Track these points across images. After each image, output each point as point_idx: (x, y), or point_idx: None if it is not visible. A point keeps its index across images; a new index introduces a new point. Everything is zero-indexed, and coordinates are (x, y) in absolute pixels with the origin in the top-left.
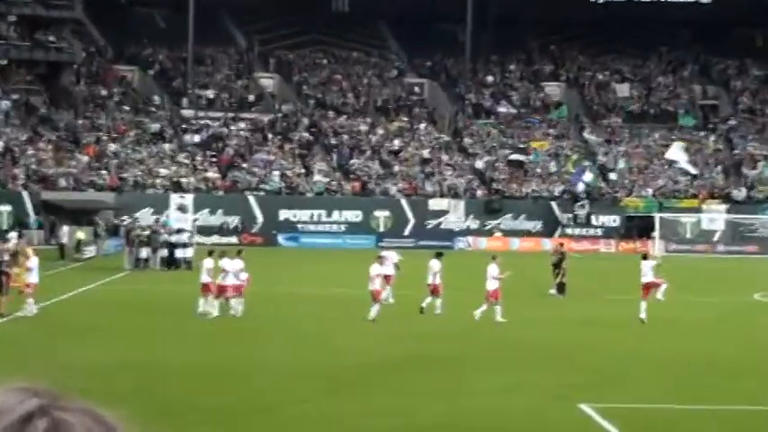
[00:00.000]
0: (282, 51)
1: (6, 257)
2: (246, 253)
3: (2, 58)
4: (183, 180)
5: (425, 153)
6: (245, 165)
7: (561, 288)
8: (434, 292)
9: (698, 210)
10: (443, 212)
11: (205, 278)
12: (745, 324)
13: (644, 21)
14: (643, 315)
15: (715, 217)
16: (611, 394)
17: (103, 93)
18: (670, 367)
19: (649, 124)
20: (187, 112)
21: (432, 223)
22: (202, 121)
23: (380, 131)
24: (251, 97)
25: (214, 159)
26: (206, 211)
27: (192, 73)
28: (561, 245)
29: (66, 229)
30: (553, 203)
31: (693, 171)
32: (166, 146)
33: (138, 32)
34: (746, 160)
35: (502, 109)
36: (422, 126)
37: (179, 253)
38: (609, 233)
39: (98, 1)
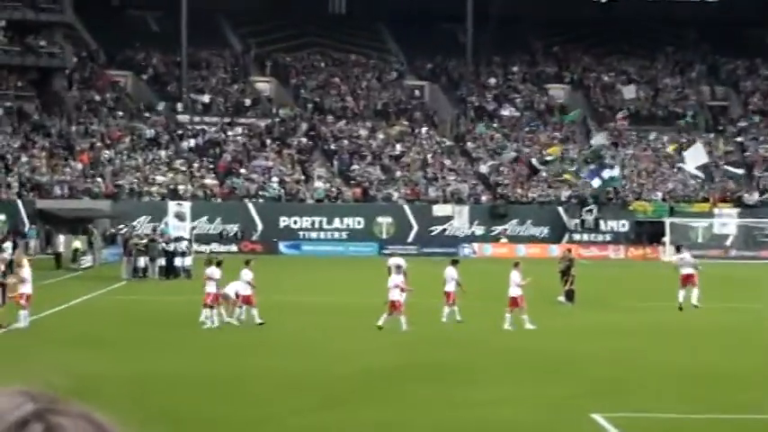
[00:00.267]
0: (279, 54)
1: (2, 267)
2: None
3: None
4: (181, 187)
5: (428, 158)
6: (243, 171)
7: (570, 295)
8: (450, 299)
9: (709, 214)
10: (448, 218)
11: (210, 288)
12: (760, 332)
13: (650, 21)
14: (695, 302)
15: (727, 221)
16: (624, 403)
17: (96, 98)
18: (683, 376)
19: (657, 126)
20: (182, 118)
21: (436, 230)
22: (198, 127)
23: (381, 136)
24: (247, 102)
25: (211, 166)
26: (204, 218)
27: (186, 77)
28: (569, 251)
29: (62, 238)
30: (560, 208)
31: (700, 174)
32: (162, 152)
33: (130, 36)
34: (758, 163)
35: (505, 112)
36: (423, 130)
37: (178, 262)
38: (618, 239)
39: (89, 4)
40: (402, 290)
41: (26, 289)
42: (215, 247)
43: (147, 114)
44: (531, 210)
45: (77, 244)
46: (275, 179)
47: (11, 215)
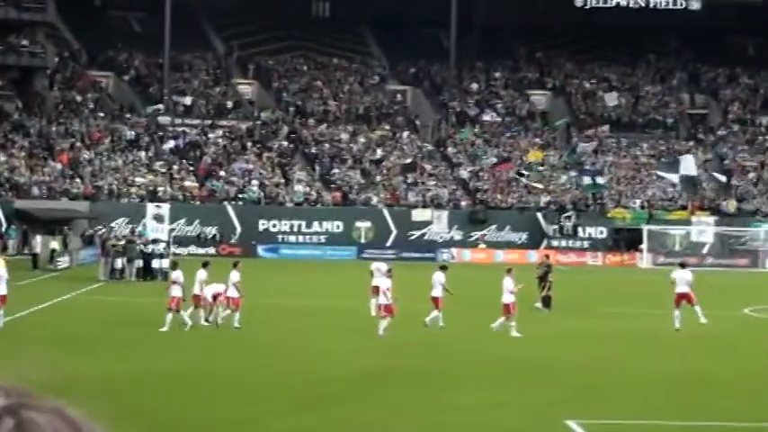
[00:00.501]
0: (261, 57)
1: None
2: (225, 264)
3: None
4: (160, 189)
5: (408, 162)
6: (223, 174)
7: (547, 302)
8: (438, 304)
9: (687, 222)
10: (426, 223)
11: (197, 289)
12: (735, 339)
13: (632, 28)
14: (677, 325)
15: (704, 229)
16: (598, 410)
17: (78, 99)
18: (658, 383)
19: (637, 134)
20: (163, 119)
21: (415, 234)
22: (179, 129)
23: (362, 140)
24: (229, 104)
25: (191, 168)
26: (183, 220)
27: (168, 79)
28: (547, 257)
29: (39, 238)
30: (539, 214)
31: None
32: (142, 154)
33: (113, 37)
34: (736, 171)
35: (486, 117)
36: (404, 134)
37: (155, 263)
38: (596, 245)
39: (72, 4)
40: (387, 294)
41: (1, 289)
42: (193, 249)
43: (128, 116)
44: (510, 215)
45: (54, 245)
46: (255, 182)
47: None
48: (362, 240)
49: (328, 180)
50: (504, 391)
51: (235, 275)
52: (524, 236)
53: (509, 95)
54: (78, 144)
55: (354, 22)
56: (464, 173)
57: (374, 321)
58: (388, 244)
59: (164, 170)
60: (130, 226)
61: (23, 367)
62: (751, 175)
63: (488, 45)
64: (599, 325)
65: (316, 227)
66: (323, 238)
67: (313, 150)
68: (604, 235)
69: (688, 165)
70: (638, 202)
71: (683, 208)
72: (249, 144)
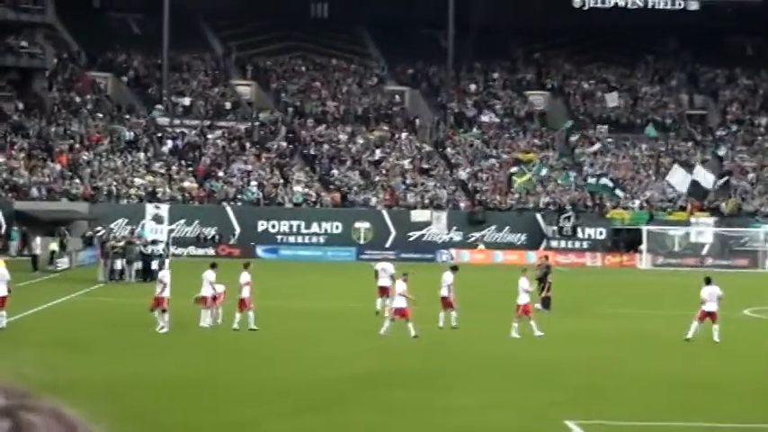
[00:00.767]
0: (260, 58)
1: None
2: (224, 265)
3: None
4: (159, 190)
5: (406, 163)
6: (222, 174)
7: (546, 303)
8: (448, 305)
9: (686, 223)
10: (426, 224)
11: (207, 291)
12: (736, 340)
13: (631, 28)
14: (690, 335)
15: (703, 230)
16: (599, 411)
17: (77, 100)
18: (658, 384)
19: (636, 134)
20: (162, 120)
21: (414, 235)
22: (178, 130)
23: (360, 141)
24: (228, 105)
25: (190, 169)
26: (182, 221)
27: (167, 80)
28: (546, 258)
29: (38, 240)
30: (538, 215)
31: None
32: (141, 154)
33: (112, 38)
34: (735, 172)
35: (485, 118)
36: (403, 135)
37: (154, 264)
38: (595, 246)
39: (71, 5)
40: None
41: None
42: (192, 250)
43: (126, 117)
44: (510, 216)
45: (54, 246)
46: (254, 183)
47: None
48: (362, 241)
49: (327, 181)
50: (505, 392)
51: (245, 277)
52: (523, 237)
53: (507, 96)
54: (77, 145)
55: (352, 23)
56: (463, 174)
57: (377, 322)
58: (388, 245)
59: (163, 171)
60: (130, 227)
61: (23, 367)
62: (750, 175)
63: (486, 46)
64: (599, 326)
65: (315, 228)
66: (322, 239)
67: (312, 151)
68: (603, 236)
69: (703, 177)
70: (636, 202)
71: (683, 209)
72: (248, 145)
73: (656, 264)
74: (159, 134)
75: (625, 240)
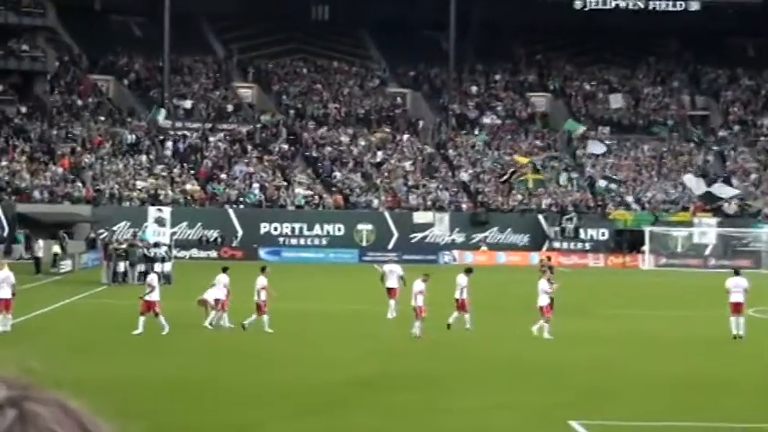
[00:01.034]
0: (261, 60)
1: None
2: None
3: None
4: (161, 193)
5: (408, 165)
6: (224, 177)
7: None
8: (462, 307)
9: (689, 223)
10: (428, 226)
11: (222, 293)
12: (739, 340)
13: (632, 30)
14: (741, 332)
15: (706, 230)
16: (602, 412)
17: (78, 103)
18: (661, 384)
19: (638, 135)
20: (164, 123)
21: (416, 237)
22: (180, 132)
23: (362, 143)
24: (229, 107)
25: (192, 171)
26: (184, 224)
27: (168, 83)
28: (548, 258)
29: (41, 242)
30: (540, 216)
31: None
32: (143, 157)
33: (113, 41)
34: (738, 172)
35: (487, 120)
36: (405, 137)
37: (157, 267)
38: (597, 247)
39: (72, 9)
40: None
41: (2, 293)
42: (195, 252)
43: (128, 119)
44: (512, 218)
45: (57, 249)
46: (256, 185)
47: None
48: (364, 243)
49: (329, 183)
50: (507, 393)
51: (262, 280)
52: (526, 238)
53: (509, 98)
54: (79, 148)
55: (354, 25)
56: (465, 175)
57: (379, 324)
58: (390, 246)
59: (165, 174)
60: (132, 230)
61: (27, 361)
62: (753, 176)
63: (488, 47)
64: (601, 327)
65: (317, 230)
66: (324, 241)
67: (314, 153)
68: (606, 237)
69: (722, 191)
70: (636, 202)
71: (685, 209)
72: (250, 147)
73: (659, 264)
74: (161, 137)
75: (627, 241)
